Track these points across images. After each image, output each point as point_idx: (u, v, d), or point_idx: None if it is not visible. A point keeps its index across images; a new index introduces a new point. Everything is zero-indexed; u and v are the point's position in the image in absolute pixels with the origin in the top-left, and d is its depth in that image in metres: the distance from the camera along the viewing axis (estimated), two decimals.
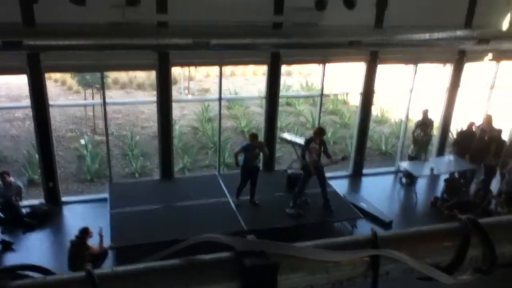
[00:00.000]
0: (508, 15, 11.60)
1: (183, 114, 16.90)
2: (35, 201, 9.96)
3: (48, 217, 9.55)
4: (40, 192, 10.40)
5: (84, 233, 7.43)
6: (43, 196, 10.11)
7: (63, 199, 10.34)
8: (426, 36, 10.52)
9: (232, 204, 9.73)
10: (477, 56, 12.18)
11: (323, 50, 10.47)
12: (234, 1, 9.18)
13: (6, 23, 8.13)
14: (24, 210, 9.49)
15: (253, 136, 9.47)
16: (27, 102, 9.68)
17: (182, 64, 11.98)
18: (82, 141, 13.99)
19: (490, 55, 12.25)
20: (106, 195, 10.04)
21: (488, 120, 11.86)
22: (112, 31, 8.71)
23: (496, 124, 11.74)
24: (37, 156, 10.47)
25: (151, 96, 13.11)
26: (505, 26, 11.67)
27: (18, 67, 9.16)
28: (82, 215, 9.80)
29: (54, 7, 7.79)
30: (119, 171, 12.61)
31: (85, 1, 7.73)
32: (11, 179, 9.49)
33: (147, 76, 18.19)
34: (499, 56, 12.37)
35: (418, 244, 1.40)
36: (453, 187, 10.95)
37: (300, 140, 11.77)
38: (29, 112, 9.83)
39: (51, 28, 8.43)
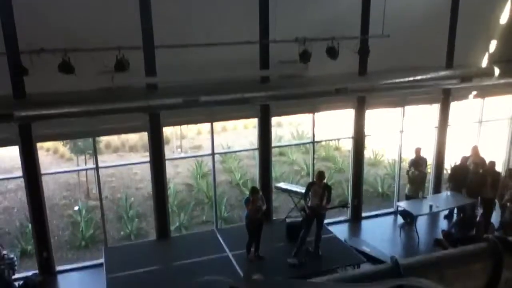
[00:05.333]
0: (486, 54, 12.04)
1: (177, 172, 16.82)
2: (28, 273, 9.60)
3: None
4: (34, 263, 10.04)
5: None
6: (37, 266, 9.77)
7: (58, 268, 10.00)
8: (410, 78, 10.81)
9: (232, 259, 9.52)
10: (462, 95, 12.48)
11: (311, 99, 10.67)
12: (220, 59, 9.37)
13: None
14: (17, 284, 9.13)
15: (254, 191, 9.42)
16: (19, 172, 9.59)
17: (173, 124, 12.05)
18: (76, 208, 13.79)
19: (474, 93, 12.56)
20: (102, 260, 9.75)
21: (475, 151, 12.00)
22: (102, 96, 8.80)
23: (488, 157, 11.76)
24: (30, 226, 10.23)
25: (144, 156, 13.08)
26: (484, 63, 12.08)
27: (9, 139, 9.12)
28: (78, 283, 9.48)
29: (44, 78, 7.88)
30: (114, 234, 12.33)
31: (74, 70, 7.87)
32: (4, 252, 9.23)
33: (140, 138, 18.25)
34: (483, 93, 12.69)
35: (445, 269, 1.34)
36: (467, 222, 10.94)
37: (296, 188, 11.76)
38: (22, 182, 9.71)
39: (41, 99, 8.50)
